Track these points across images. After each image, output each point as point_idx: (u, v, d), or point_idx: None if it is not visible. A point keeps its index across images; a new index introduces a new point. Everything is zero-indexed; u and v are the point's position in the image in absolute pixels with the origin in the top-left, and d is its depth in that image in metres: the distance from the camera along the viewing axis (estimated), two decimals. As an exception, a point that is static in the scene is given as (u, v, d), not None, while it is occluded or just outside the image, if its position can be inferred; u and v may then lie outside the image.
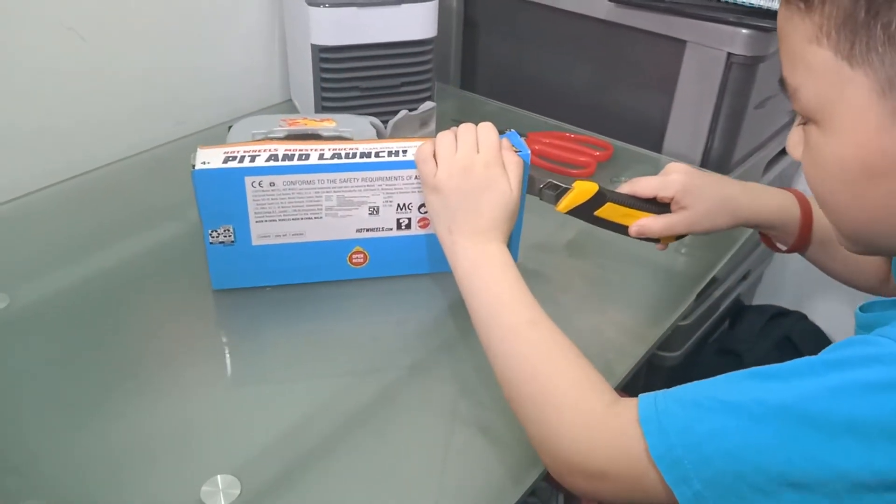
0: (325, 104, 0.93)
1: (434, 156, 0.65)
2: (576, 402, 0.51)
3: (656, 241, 0.73)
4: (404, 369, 0.66)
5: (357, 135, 0.78)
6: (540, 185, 0.72)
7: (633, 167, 0.98)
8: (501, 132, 0.74)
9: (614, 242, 0.85)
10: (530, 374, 0.54)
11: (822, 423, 0.40)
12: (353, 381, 0.64)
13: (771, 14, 0.87)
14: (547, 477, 0.58)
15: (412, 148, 0.69)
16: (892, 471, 0.39)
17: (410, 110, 0.91)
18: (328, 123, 0.79)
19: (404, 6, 0.90)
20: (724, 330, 1.36)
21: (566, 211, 0.72)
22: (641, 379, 1.19)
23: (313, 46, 0.89)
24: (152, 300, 0.72)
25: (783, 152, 1.18)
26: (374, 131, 0.80)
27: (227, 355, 0.67)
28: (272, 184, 0.66)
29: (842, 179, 0.47)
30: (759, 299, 1.53)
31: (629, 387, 1.07)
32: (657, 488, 0.45)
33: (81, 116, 0.90)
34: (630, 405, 0.48)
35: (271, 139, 0.76)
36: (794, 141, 0.51)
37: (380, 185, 0.69)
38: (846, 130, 0.46)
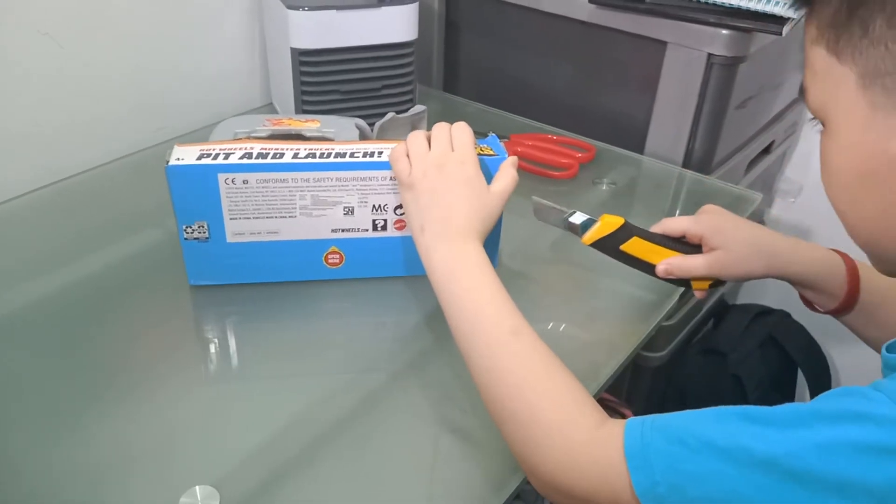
0: (305, 108, 0.92)
1: (408, 155, 0.65)
2: (561, 425, 0.50)
3: (687, 285, 0.69)
4: (385, 375, 0.65)
5: (340, 136, 0.78)
6: (564, 215, 0.71)
7: (616, 168, 0.98)
8: (482, 136, 0.74)
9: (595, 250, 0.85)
10: (515, 391, 0.52)
11: (807, 480, 0.40)
12: (332, 389, 0.63)
13: (751, 15, 0.87)
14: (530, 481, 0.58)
15: (388, 149, 0.68)
16: None
17: (398, 112, 0.90)
18: (312, 124, 0.79)
19: (384, 9, 0.90)
20: (708, 329, 1.36)
21: (590, 243, 0.70)
22: (626, 379, 1.19)
23: (293, 50, 0.89)
24: (133, 307, 0.71)
25: (765, 152, 1.19)
26: (357, 133, 0.80)
27: (207, 363, 0.67)
28: (245, 181, 0.66)
29: (840, 184, 0.48)
30: (742, 298, 1.53)
31: (614, 387, 1.08)
32: None
33: (62, 122, 0.89)
34: (616, 432, 0.47)
35: (253, 138, 0.76)
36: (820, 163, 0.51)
37: (354, 186, 0.68)
38: (840, 131, 0.47)
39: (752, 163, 1.15)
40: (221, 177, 0.66)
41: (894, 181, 0.45)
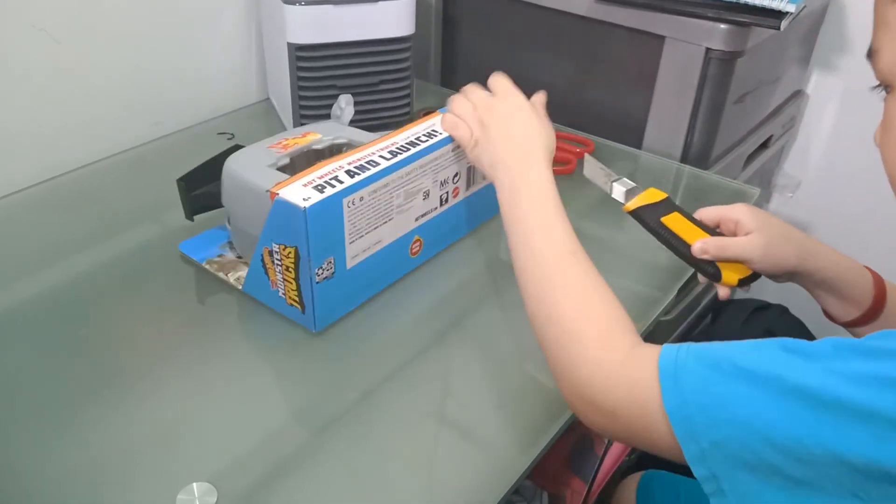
0: (302, 102, 0.92)
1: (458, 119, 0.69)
2: (600, 338, 0.52)
3: (716, 278, 0.67)
4: (384, 371, 0.65)
5: (352, 138, 0.78)
6: (611, 178, 0.70)
7: (615, 163, 0.98)
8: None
9: (597, 238, 0.85)
10: (562, 303, 0.54)
11: (835, 407, 0.40)
12: (331, 385, 0.63)
13: (749, 9, 0.87)
14: (530, 475, 0.58)
15: (438, 122, 0.73)
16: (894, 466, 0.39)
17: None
18: (313, 136, 0.76)
19: (381, 4, 0.89)
20: (706, 325, 1.36)
21: (632, 210, 0.68)
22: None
23: (290, 45, 0.88)
24: (131, 304, 0.71)
25: (763, 147, 1.19)
26: (367, 136, 0.78)
27: (205, 361, 0.66)
28: (362, 199, 0.65)
29: None
30: (740, 293, 1.53)
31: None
32: (665, 438, 0.45)
33: (59, 118, 0.89)
34: (652, 354, 0.48)
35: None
36: (877, 131, 0.51)
37: (430, 168, 0.71)
38: None
39: (750, 157, 1.14)
40: (345, 201, 0.63)
41: None
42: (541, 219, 0.60)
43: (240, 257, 0.75)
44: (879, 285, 0.66)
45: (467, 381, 0.64)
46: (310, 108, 0.93)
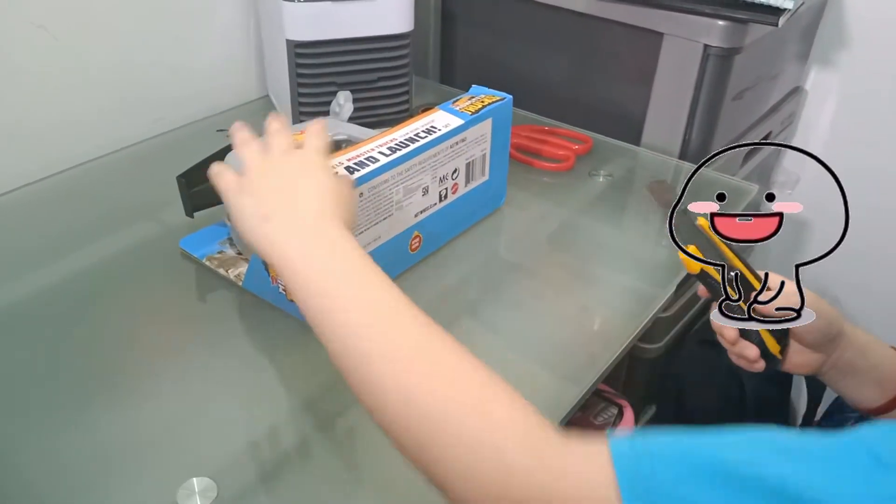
0: (301, 99, 0.92)
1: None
2: (518, 440, 0.39)
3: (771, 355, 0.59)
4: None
5: (349, 136, 0.78)
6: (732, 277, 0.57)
7: (612, 160, 0.98)
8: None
9: (594, 236, 0.85)
10: (447, 400, 0.40)
11: None
12: (331, 381, 0.64)
13: (747, 6, 0.87)
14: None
15: (437, 118, 0.73)
16: None
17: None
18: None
19: (380, 0, 0.90)
20: (705, 321, 1.36)
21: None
22: (623, 371, 1.19)
23: (288, 42, 0.88)
24: (130, 302, 0.71)
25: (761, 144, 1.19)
26: (366, 132, 0.79)
27: (205, 358, 0.67)
28: (361, 195, 0.65)
29: None
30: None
31: (611, 379, 1.08)
32: None
33: (57, 115, 0.89)
34: (597, 453, 0.37)
35: None
36: None
37: (429, 164, 0.71)
38: None
39: (749, 154, 1.15)
40: None
41: None
42: (372, 287, 0.45)
43: (239, 254, 0.75)
44: None
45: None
46: (309, 104, 0.93)
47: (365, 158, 0.66)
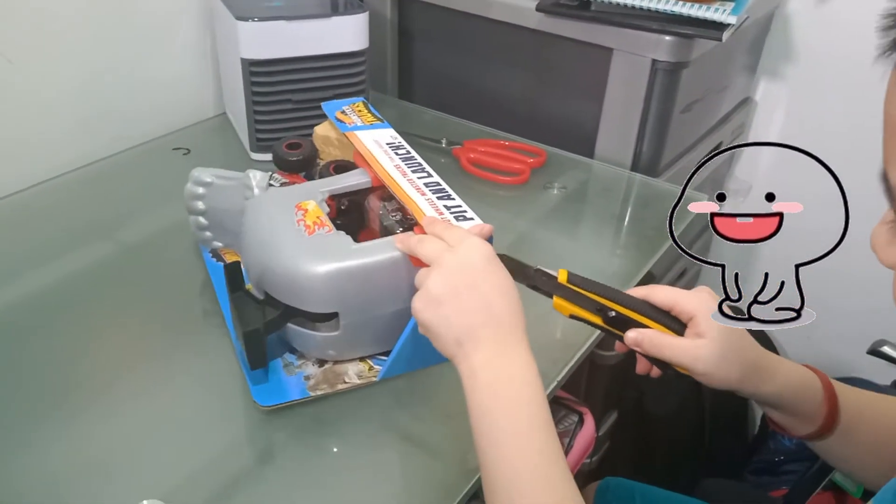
0: (257, 117, 0.93)
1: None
2: None
3: (665, 367, 0.59)
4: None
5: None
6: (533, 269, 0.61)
7: (566, 173, 1.00)
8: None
9: (550, 246, 0.87)
10: None
11: None
12: (283, 406, 0.64)
13: (692, 21, 0.90)
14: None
15: (381, 137, 0.73)
16: None
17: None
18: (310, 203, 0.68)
19: (334, 19, 0.91)
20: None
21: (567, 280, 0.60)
22: (584, 378, 1.21)
23: (243, 60, 0.89)
24: (84, 322, 0.71)
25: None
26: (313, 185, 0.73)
27: (161, 377, 0.67)
28: None
29: None
30: (698, 296, 1.56)
31: (572, 386, 1.09)
32: None
33: (13, 135, 0.88)
34: None
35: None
36: (882, 242, 0.41)
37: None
38: None
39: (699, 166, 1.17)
40: None
41: None
42: (531, 453, 0.48)
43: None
44: (830, 393, 0.60)
45: (422, 392, 0.65)
46: (265, 122, 0.93)
47: (457, 209, 0.63)
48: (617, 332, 0.59)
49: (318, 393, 0.63)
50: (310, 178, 0.78)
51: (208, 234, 0.74)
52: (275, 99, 0.92)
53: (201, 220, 0.73)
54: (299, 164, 0.77)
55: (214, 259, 0.76)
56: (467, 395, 0.51)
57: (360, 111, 0.79)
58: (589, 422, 1.11)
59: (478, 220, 0.62)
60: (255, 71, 0.90)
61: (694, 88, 1.03)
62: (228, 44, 0.94)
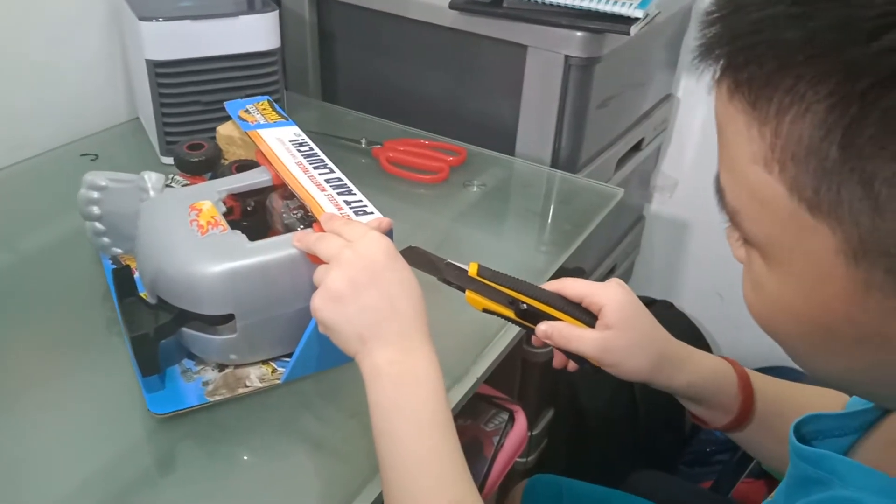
0: (166, 119, 0.90)
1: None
2: None
3: (581, 361, 0.59)
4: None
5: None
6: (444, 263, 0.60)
7: (486, 171, 1.00)
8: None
9: (470, 243, 0.86)
10: None
11: None
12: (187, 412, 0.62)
13: (601, 16, 0.90)
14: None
15: (284, 135, 0.71)
16: None
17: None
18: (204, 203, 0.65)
19: (242, 18, 0.89)
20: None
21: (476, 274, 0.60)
22: (517, 376, 1.21)
23: (148, 62, 0.87)
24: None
25: (635, 149, 1.23)
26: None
27: (51, 391, 0.64)
28: None
29: (796, 328, 0.38)
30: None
31: (505, 384, 1.09)
32: None
33: None
34: None
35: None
36: (731, 240, 0.41)
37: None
38: (803, 283, 0.36)
39: (622, 160, 1.19)
40: None
41: (882, 352, 0.36)
42: (427, 450, 0.49)
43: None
44: (745, 384, 0.60)
45: (327, 394, 0.64)
46: (174, 124, 0.91)
47: (357, 204, 0.62)
48: (529, 325, 0.59)
49: (217, 398, 0.61)
50: (215, 179, 0.76)
51: (106, 240, 0.71)
52: (183, 101, 0.90)
53: (97, 225, 0.70)
54: (201, 165, 0.75)
55: (115, 266, 0.73)
56: (368, 393, 0.50)
57: (264, 110, 0.77)
58: (521, 420, 1.11)
59: (378, 214, 0.61)
60: (162, 72, 0.88)
61: (609, 84, 1.04)
62: (133, 45, 0.92)
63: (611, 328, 0.57)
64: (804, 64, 0.32)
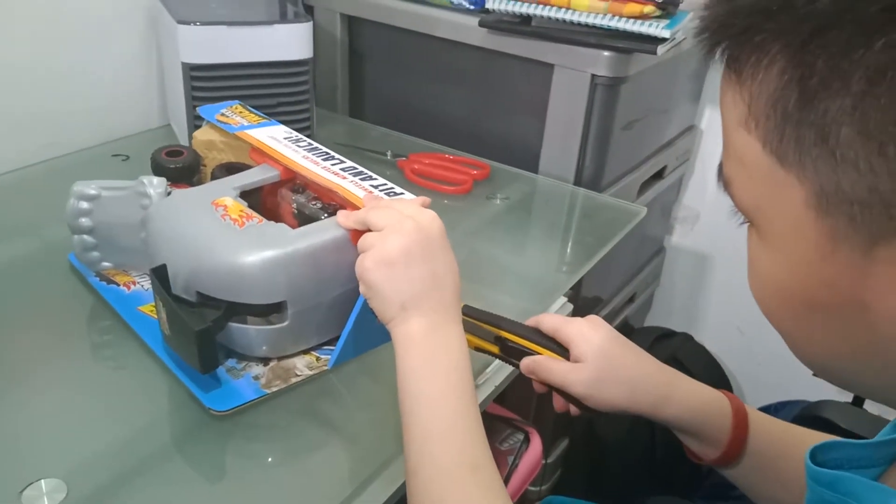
0: (197, 123, 0.92)
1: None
2: None
3: (577, 403, 0.59)
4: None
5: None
6: None
7: (510, 185, 1.00)
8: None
9: (492, 258, 0.86)
10: None
11: None
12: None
13: (629, 36, 0.92)
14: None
15: (276, 133, 0.72)
16: None
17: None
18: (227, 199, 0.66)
19: (277, 26, 0.91)
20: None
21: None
22: (533, 400, 1.19)
23: (184, 65, 0.89)
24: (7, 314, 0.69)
25: (657, 176, 1.24)
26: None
27: (69, 360, 0.64)
28: None
29: (783, 305, 0.39)
30: (648, 322, 1.57)
31: (521, 407, 1.07)
32: None
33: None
34: None
35: None
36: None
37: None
38: (784, 248, 0.37)
39: (645, 186, 1.19)
40: None
41: (863, 327, 0.36)
42: (451, 415, 0.50)
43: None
44: (740, 418, 0.59)
45: (343, 380, 0.64)
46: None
47: (384, 186, 0.64)
48: (515, 361, 0.60)
49: (274, 389, 0.60)
50: (194, 186, 0.77)
51: (95, 254, 0.69)
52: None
53: (87, 239, 0.68)
54: (180, 171, 0.76)
55: (104, 283, 0.70)
56: (398, 358, 0.52)
57: (241, 112, 0.79)
58: (535, 442, 1.09)
59: (410, 195, 0.62)
60: (196, 76, 0.90)
61: (634, 106, 1.04)
62: (170, 48, 0.94)
63: (579, 360, 0.57)
64: (768, 20, 0.34)
